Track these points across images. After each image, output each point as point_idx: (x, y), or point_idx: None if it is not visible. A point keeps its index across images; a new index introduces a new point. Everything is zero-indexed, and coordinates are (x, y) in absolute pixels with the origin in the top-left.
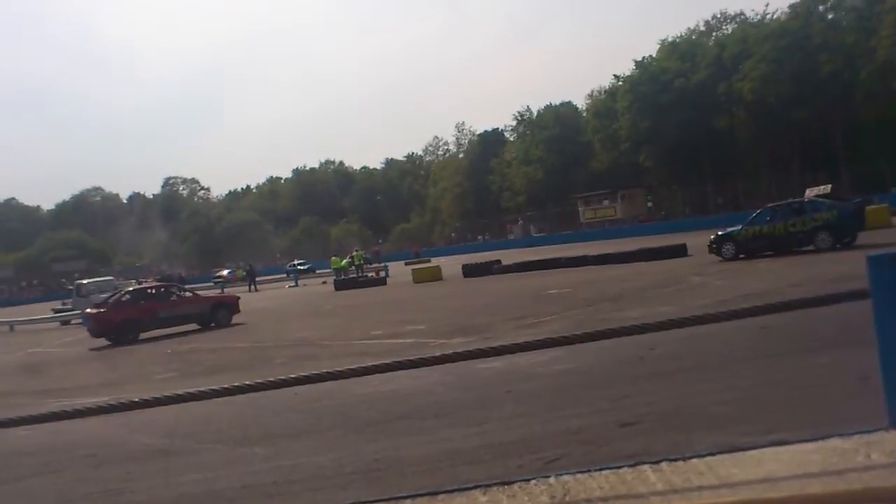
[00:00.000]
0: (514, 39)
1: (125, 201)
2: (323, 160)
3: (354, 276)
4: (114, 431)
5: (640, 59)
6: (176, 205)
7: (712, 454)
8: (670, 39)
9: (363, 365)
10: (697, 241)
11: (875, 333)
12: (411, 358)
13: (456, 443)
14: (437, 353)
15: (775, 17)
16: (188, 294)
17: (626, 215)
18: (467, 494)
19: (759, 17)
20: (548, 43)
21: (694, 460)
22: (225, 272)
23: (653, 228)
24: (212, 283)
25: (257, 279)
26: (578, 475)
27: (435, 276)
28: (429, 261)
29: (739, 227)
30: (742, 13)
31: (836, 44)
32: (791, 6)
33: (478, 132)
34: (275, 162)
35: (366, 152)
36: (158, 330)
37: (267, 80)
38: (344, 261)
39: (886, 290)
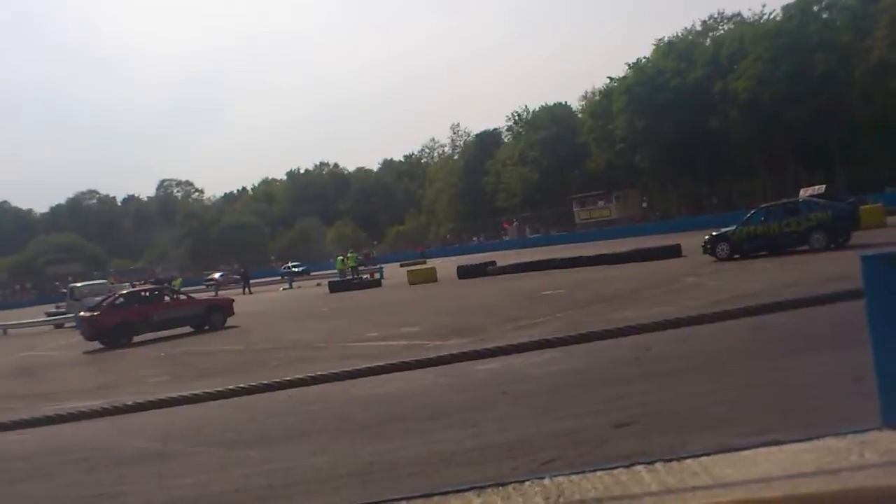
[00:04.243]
0: (509, 41)
1: (120, 204)
2: (317, 162)
3: (350, 278)
4: (107, 435)
5: (634, 61)
6: (171, 207)
7: (707, 454)
8: (666, 39)
9: (358, 367)
10: (692, 241)
11: (869, 333)
12: (406, 360)
13: (451, 444)
14: (432, 355)
15: (771, 16)
16: (182, 297)
17: (621, 216)
18: (462, 496)
19: (756, 16)
20: (543, 44)
21: (688, 461)
22: (216, 275)
23: (648, 229)
24: (203, 287)
25: (251, 281)
26: (573, 476)
27: (430, 277)
28: (424, 262)
29: (734, 227)
30: (739, 14)
31: (831, 43)
32: (785, 6)
33: (473, 133)
34: (270, 164)
35: (362, 154)
36: (152, 333)
37: (262, 83)
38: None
39: (880, 290)
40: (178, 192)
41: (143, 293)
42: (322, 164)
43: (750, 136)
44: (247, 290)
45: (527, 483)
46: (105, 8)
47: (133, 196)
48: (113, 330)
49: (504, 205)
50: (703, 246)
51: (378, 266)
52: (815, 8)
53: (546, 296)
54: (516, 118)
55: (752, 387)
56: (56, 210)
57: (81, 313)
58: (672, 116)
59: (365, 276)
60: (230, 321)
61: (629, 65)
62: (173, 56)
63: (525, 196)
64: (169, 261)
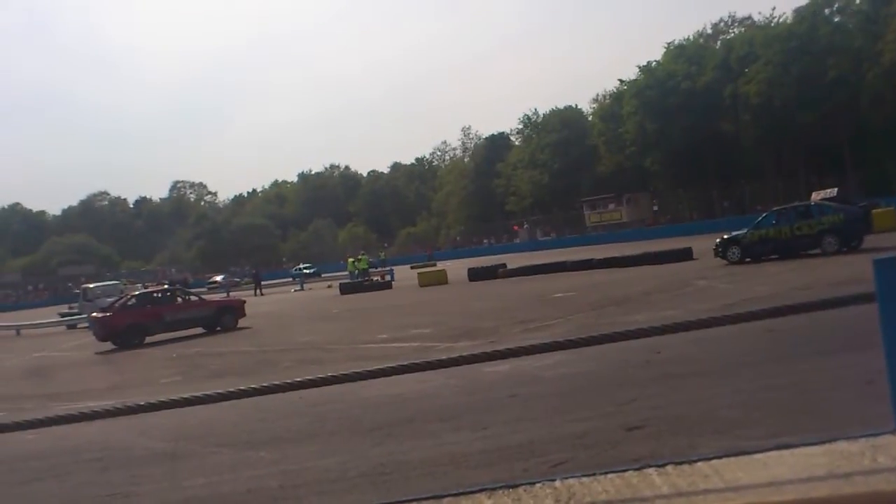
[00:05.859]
0: (519, 43)
1: (132, 206)
2: (328, 164)
3: (361, 280)
4: (120, 435)
5: (644, 63)
6: (183, 209)
7: (718, 457)
8: (677, 43)
9: (368, 368)
10: (703, 244)
11: (881, 337)
12: (417, 361)
13: (461, 446)
14: (443, 357)
15: (782, 19)
16: (194, 298)
17: (631, 219)
18: (472, 498)
19: (766, 20)
20: (553, 47)
21: (699, 464)
22: (219, 277)
23: (658, 232)
24: (206, 290)
25: (263, 283)
26: (584, 479)
27: (440, 279)
28: (434, 265)
29: (745, 230)
30: (749, 17)
31: (843, 47)
32: (796, 9)
33: (484, 136)
34: (281, 166)
35: (372, 156)
36: (164, 334)
37: (273, 84)
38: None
39: (893, 293)
40: (191, 193)
41: (155, 294)
42: (333, 166)
43: (761, 139)
44: (258, 291)
45: (538, 485)
46: (116, 10)
47: (145, 198)
48: (125, 331)
49: (514, 207)
50: (714, 249)
51: (389, 268)
52: (827, 11)
53: (556, 298)
54: (526, 121)
55: (763, 390)
56: (68, 212)
57: (94, 314)
58: (682, 120)
59: (376, 279)
60: (242, 322)
61: (639, 68)
62: (184, 58)
63: (535, 199)
64: (181, 262)
